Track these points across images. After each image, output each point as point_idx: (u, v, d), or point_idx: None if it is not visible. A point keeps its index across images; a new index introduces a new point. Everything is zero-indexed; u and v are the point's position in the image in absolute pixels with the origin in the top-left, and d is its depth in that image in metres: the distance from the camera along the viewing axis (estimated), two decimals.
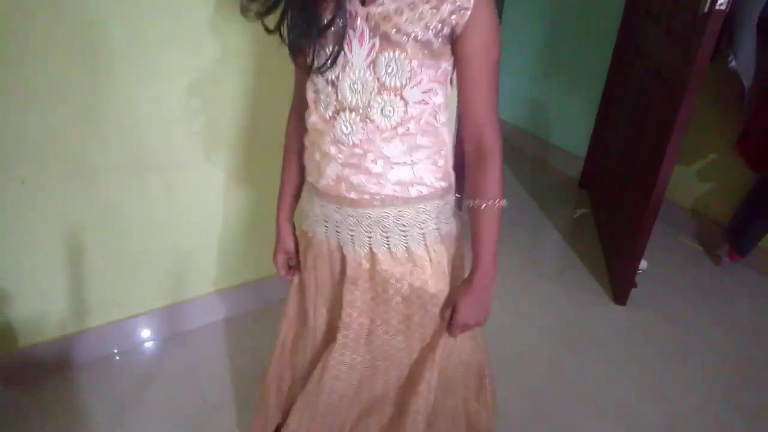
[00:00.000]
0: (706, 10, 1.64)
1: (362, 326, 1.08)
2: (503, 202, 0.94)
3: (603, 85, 2.89)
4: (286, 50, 0.94)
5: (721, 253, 2.47)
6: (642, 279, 2.24)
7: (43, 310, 1.71)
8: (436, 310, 1.04)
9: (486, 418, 1.30)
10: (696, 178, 2.63)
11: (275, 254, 1.21)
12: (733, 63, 2.02)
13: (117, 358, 1.86)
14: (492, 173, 0.93)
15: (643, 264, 2.25)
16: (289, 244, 1.19)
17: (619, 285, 2.20)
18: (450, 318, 1.04)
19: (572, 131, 3.24)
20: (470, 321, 1.01)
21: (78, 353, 1.80)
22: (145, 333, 1.91)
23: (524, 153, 3.58)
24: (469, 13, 0.83)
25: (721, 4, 1.62)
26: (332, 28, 0.86)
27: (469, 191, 0.97)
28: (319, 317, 1.14)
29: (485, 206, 0.94)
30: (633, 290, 2.19)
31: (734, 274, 2.43)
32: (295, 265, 1.21)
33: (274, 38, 0.93)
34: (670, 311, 2.19)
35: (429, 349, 1.09)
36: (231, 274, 2.01)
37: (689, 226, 2.69)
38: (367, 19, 0.86)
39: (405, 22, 0.83)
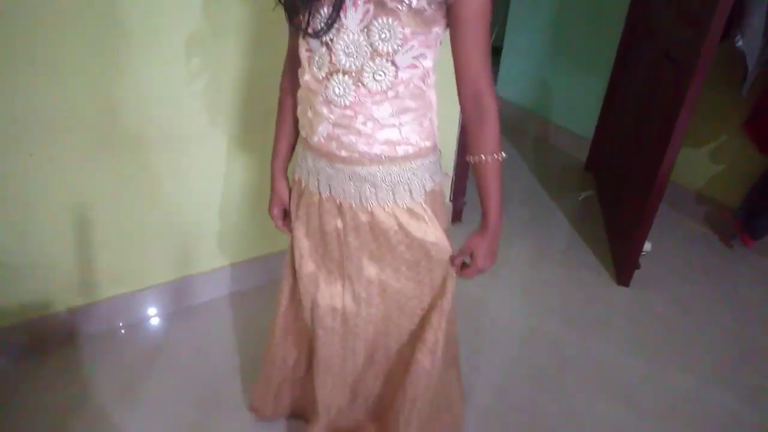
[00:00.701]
0: None
1: (373, 276, 1.13)
2: (503, 155, 1.00)
3: (611, 67, 2.86)
4: (282, 11, 0.96)
5: (734, 239, 2.46)
6: (646, 261, 2.24)
7: (51, 283, 1.72)
8: (441, 256, 1.10)
9: (460, 396, 1.37)
10: (705, 160, 2.61)
11: (271, 206, 1.26)
12: (740, 42, 2.01)
13: (125, 330, 1.88)
14: (492, 129, 0.98)
15: (648, 246, 2.25)
16: (285, 196, 1.24)
17: (623, 266, 2.21)
18: (462, 264, 1.11)
19: (580, 113, 3.22)
20: (486, 265, 1.08)
21: (86, 326, 1.83)
22: (153, 306, 1.94)
23: (531, 135, 3.56)
24: None
25: None
26: None
27: (471, 148, 1.01)
28: (303, 266, 1.18)
29: (490, 160, 0.99)
30: (637, 272, 2.19)
31: (739, 257, 2.43)
32: (290, 216, 1.25)
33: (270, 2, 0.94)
34: (673, 293, 2.19)
35: (438, 297, 1.14)
36: (238, 249, 2.02)
37: (696, 209, 2.68)
38: None
39: None
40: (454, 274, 1.12)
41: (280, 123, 1.20)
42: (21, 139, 1.49)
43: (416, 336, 1.20)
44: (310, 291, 1.20)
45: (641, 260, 2.19)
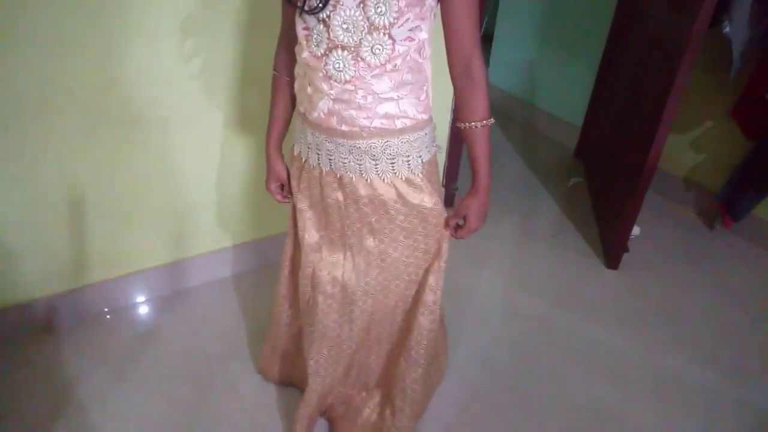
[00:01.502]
0: None
1: (372, 247, 1.17)
2: (491, 120, 1.05)
3: (601, 54, 2.89)
4: None
5: (716, 221, 2.51)
6: (634, 244, 2.29)
7: (42, 267, 1.72)
8: (437, 221, 1.15)
9: (445, 348, 1.49)
10: (691, 147, 2.65)
11: (268, 182, 1.30)
12: (728, 28, 2.04)
13: (119, 314, 1.88)
14: (481, 96, 1.03)
15: (636, 230, 2.29)
16: (281, 172, 1.28)
17: (612, 250, 2.25)
18: (456, 225, 1.17)
19: (570, 101, 3.25)
20: (478, 224, 1.15)
21: (79, 310, 1.83)
22: (147, 290, 1.94)
23: (521, 122, 3.58)
24: None
25: None
26: None
27: (461, 115, 1.06)
28: (307, 236, 1.23)
29: (479, 126, 1.04)
30: (625, 255, 2.23)
31: (724, 241, 2.48)
32: (287, 190, 1.30)
33: None
34: (660, 276, 2.24)
35: (434, 260, 1.20)
36: (235, 232, 2.03)
37: (682, 194, 2.73)
38: None
39: None
40: (448, 236, 1.18)
41: (274, 100, 1.22)
42: (14, 119, 1.48)
43: (415, 301, 1.25)
44: (312, 260, 1.24)
45: (629, 244, 2.23)
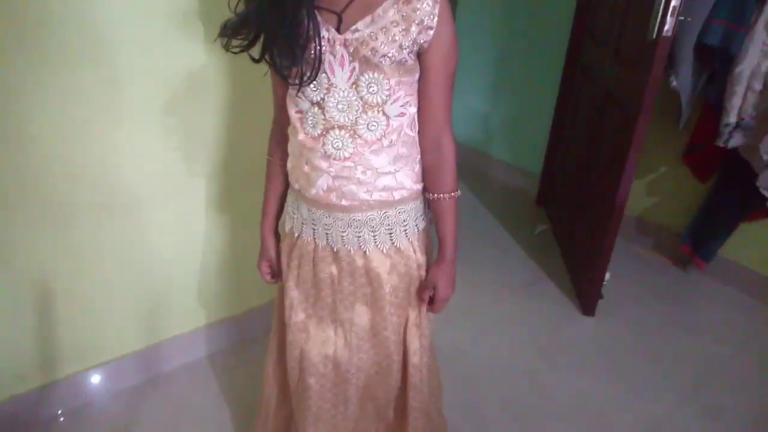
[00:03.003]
0: (654, 36, 1.77)
1: (365, 321, 1.16)
2: (458, 192, 1.10)
3: (554, 104, 3.01)
4: (260, 73, 1.02)
5: (688, 264, 2.60)
6: (606, 290, 2.33)
7: (11, 363, 1.60)
8: (413, 289, 1.16)
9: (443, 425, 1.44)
10: (648, 190, 2.78)
11: (259, 263, 1.28)
12: (675, 83, 2.18)
13: (89, 409, 1.75)
14: (450, 170, 1.07)
15: (606, 276, 2.34)
16: (272, 255, 1.27)
17: (586, 297, 2.29)
18: (431, 296, 1.16)
19: (527, 150, 3.36)
20: (448, 293, 1.15)
21: (45, 408, 1.70)
22: (118, 379, 1.82)
23: (480, 173, 3.67)
24: (432, 31, 0.94)
25: (668, 31, 1.75)
26: (311, 45, 0.93)
27: (429, 187, 1.10)
28: (293, 316, 1.20)
29: (447, 198, 1.08)
30: (600, 301, 2.28)
31: (691, 281, 2.57)
32: (277, 271, 1.28)
33: (247, 63, 0.97)
34: (636, 319, 2.29)
35: (417, 336, 1.19)
36: (207, 311, 1.95)
37: (644, 236, 2.84)
38: (345, 45, 0.94)
39: (381, 45, 0.92)
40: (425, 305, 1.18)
41: (270, 184, 1.22)
42: None
43: (403, 378, 1.23)
44: (299, 340, 1.20)
45: (602, 290, 2.28)
